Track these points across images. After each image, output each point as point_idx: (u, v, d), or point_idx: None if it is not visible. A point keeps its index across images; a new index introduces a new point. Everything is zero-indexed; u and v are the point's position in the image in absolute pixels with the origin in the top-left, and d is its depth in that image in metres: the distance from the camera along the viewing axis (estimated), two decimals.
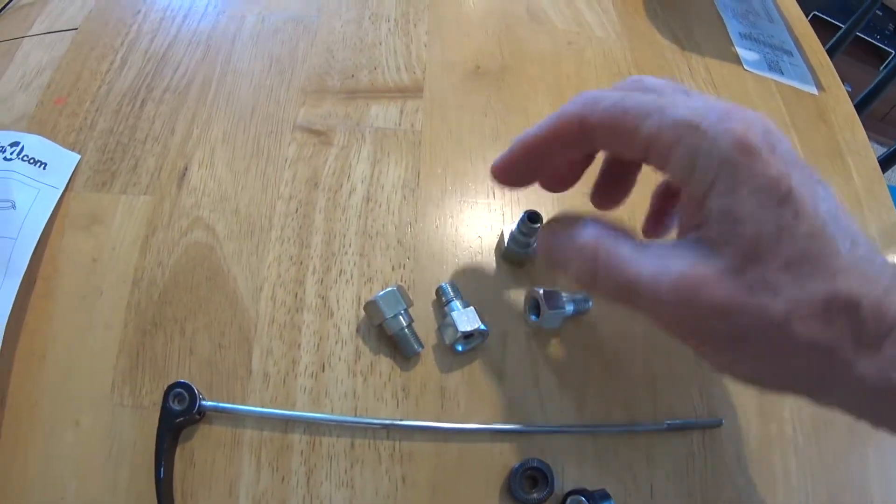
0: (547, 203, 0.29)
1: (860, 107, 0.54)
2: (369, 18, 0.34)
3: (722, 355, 0.18)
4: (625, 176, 0.23)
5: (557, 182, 0.23)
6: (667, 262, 0.18)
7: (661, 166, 0.19)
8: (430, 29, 0.34)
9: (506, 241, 0.26)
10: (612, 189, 0.23)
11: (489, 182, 0.29)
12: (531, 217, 0.24)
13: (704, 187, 0.17)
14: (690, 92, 0.20)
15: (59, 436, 0.22)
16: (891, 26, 1.27)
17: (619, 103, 0.18)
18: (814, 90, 0.37)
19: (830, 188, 0.18)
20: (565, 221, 0.20)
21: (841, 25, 0.63)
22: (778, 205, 0.16)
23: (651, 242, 0.19)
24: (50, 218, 0.27)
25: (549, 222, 0.21)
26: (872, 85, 0.55)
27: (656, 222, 0.24)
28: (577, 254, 0.19)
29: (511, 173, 0.22)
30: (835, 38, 0.58)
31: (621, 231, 0.19)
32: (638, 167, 0.22)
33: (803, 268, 0.16)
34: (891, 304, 0.15)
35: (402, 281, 0.26)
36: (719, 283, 0.16)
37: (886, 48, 1.28)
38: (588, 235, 0.19)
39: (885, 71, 0.56)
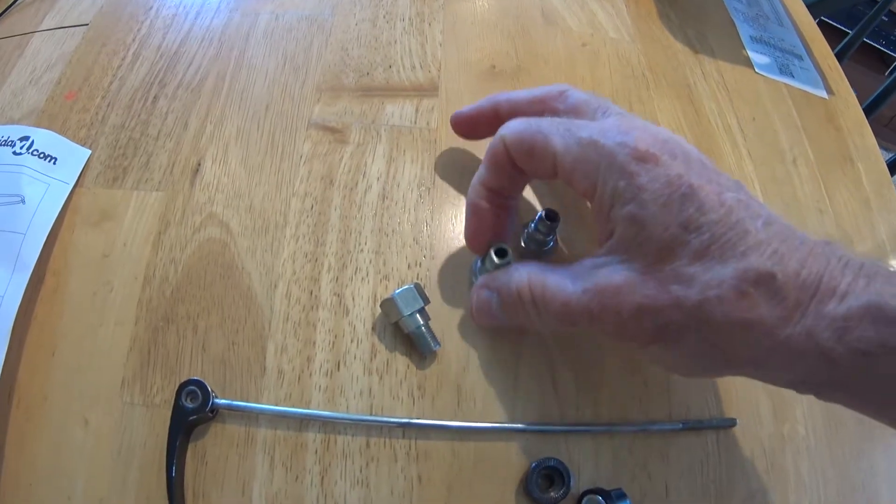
0: (566, 198, 0.29)
1: (866, 112, 0.54)
2: (384, 17, 0.34)
3: (660, 353, 0.19)
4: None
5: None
6: (588, 279, 0.19)
7: (569, 179, 0.20)
8: (444, 28, 0.34)
9: (522, 240, 0.26)
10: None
11: None
12: (549, 215, 0.24)
13: (609, 199, 0.18)
14: (606, 110, 0.21)
15: (67, 433, 0.22)
16: None
17: (528, 126, 0.20)
18: (824, 94, 0.37)
19: (742, 184, 0.18)
20: (488, 282, 0.22)
21: (848, 31, 0.64)
22: (680, 202, 0.17)
23: (570, 265, 0.20)
24: (60, 213, 0.26)
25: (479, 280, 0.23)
26: (879, 90, 0.56)
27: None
28: (517, 300, 0.21)
29: (481, 223, 0.23)
30: (842, 44, 0.58)
31: (547, 266, 0.21)
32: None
33: (713, 254, 0.16)
34: (810, 273, 0.16)
35: (418, 279, 0.26)
36: (635, 287, 0.17)
37: (893, 54, 1.29)
38: (518, 278, 0.21)
39: (891, 77, 0.56)
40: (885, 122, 1.29)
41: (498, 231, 0.23)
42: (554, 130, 0.20)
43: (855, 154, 0.35)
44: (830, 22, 1.18)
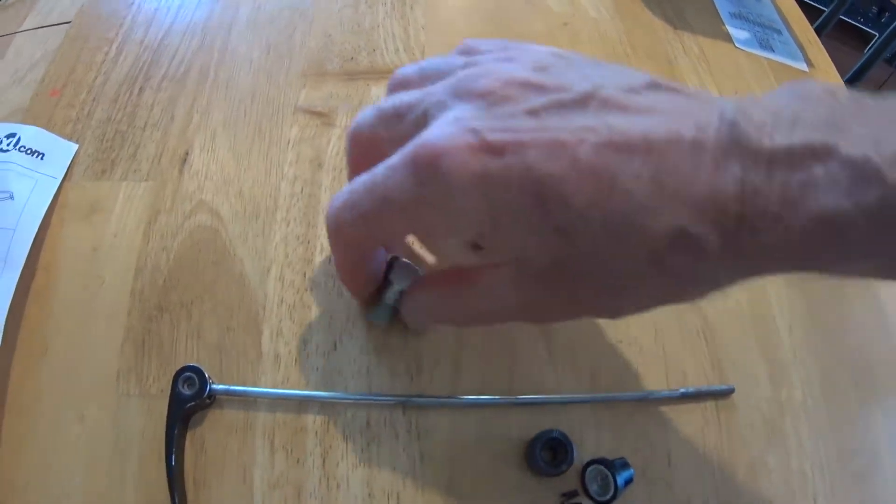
0: None
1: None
2: (365, 2, 0.34)
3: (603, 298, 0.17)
4: None
5: None
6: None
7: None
8: (426, 12, 0.34)
9: None
10: None
11: None
12: None
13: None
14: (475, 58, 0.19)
15: (63, 430, 0.22)
16: (874, 9, 1.30)
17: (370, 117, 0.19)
18: (804, 67, 0.38)
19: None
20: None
21: (824, 9, 0.65)
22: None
23: None
24: (48, 208, 0.26)
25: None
26: (856, 67, 0.56)
27: None
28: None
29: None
30: (819, 21, 0.59)
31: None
32: None
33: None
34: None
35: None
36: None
37: (870, 31, 1.30)
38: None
39: (868, 53, 0.57)
40: None
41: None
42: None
43: None
44: (807, 0, 1.19)
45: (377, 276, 0.22)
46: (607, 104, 0.15)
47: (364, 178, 0.18)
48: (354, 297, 0.23)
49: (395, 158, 0.17)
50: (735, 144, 0.14)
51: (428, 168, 0.15)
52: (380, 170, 0.17)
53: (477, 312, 0.20)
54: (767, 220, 0.13)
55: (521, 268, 0.17)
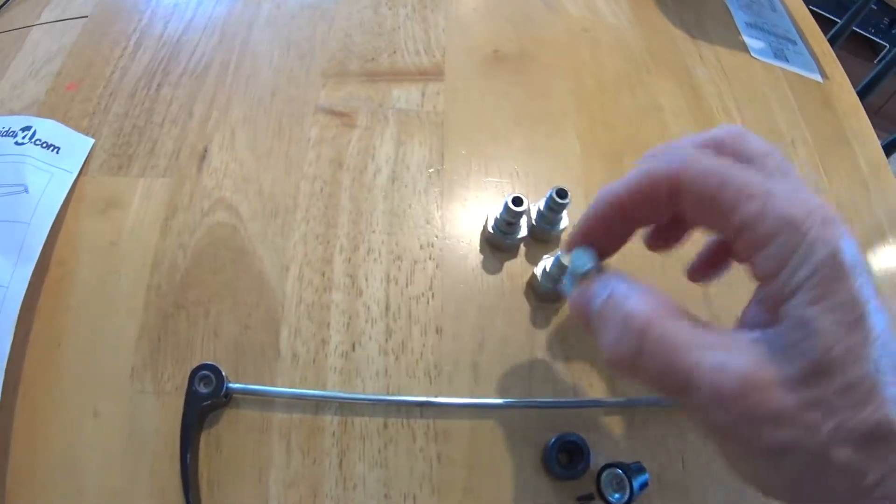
0: (572, 180, 0.29)
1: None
2: (386, 4, 0.34)
3: (757, 465, 0.17)
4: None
5: (661, 241, 0.21)
6: (729, 357, 0.16)
7: (746, 255, 0.17)
8: (447, 15, 0.34)
9: (533, 219, 0.26)
10: (671, 228, 0.21)
11: (513, 162, 0.29)
12: (560, 193, 0.24)
13: (790, 290, 0.16)
14: (786, 170, 0.18)
15: (77, 425, 0.22)
16: (886, 20, 1.30)
17: (719, 171, 0.17)
18: (818, 78, 0.38)
19: (886, 313, 0.17)
20: (607, 279, 0.19)
21: (836, 20, 0.65)
22: (852, 326, 0.16)
23: (708, 327, 0.17)
24: (64, 202, 0.26)
25: (586, 276, 0.19)
26: (868, 78, 0.57)
27: (704, 269, 0.22)
28: (620, 324, 0.17)
29: (594, 237, 0.20)
30: (831, 33, 0.59)
31: (677, 306, 0.17)
32: None
33: (859, 393, 0.15)
34: None
35: (430, 259, 0.26)
36: (780, 391, 0.16)
37: (882, 42, 1.31)
38: (640, 306, 0.17)
39: (880, 65, 0.57)
40: (875, 110, 1.31)
41: (614, 239, 0.20)
42: (747, 189, 0.17)
43: (851, 136, 0.36)
44: (819, 11, 1.20)
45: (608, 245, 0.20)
46: None
47: None
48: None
49: None
50: None
51: None
52: None
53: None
54: None
55: None
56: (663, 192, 0.18)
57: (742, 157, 0.19)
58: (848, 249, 0.16)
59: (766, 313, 0.17)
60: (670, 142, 0.20)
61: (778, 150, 0.19)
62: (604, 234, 0.20)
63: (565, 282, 0.19)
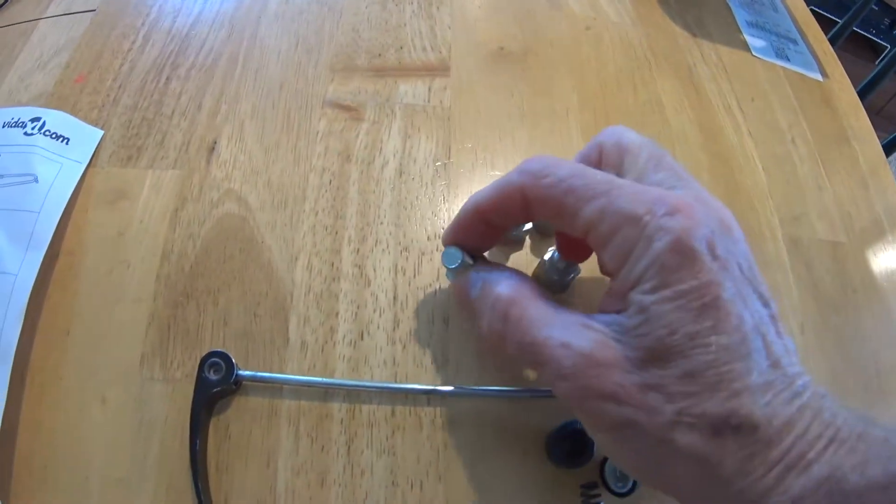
0: None
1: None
2: (392, 1, 0.35)
3: (606, 439, 0.18)
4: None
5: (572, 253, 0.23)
6: (575, 335, 0.17)
7: (597, 250, 0.19)
8: (452, 11, 0.35)
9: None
10: (573, 245, 0.22)
11: (518, 157, 0.29)
12: None
13: (631, 281, 0.17)
14: (659, 160, 0.19)
15: (84, 412, 0.22)
16: (886, 21, 1.31)
17: (563, 181, 0.18)
18: (819, 77, 0.38)
19: (772, 303, 0.17)
20: (480, 270, 0.21)
21: (837, 20, 0.65)
22: (698, 312, 0.16)
23: (558, 306, 0.18)
24: (73, 193, 0.26)
25: (465, 269, 0.21)
26: (869, 78, 0.57)
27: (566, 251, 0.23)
28: (490, 307, 0.19)
29: (462, 239, 0.22)
30: (832, 33, 0.60)
31: (539, 290, 0.19)
32: None
33: (706, 380, 0.15)
34: (788, 433, 0.15)
35: (438, 250, 0.26)
36: (618, 372, 0.16)
37: (883, 43, 1.31)
38: (505, 290, 0.19)
39: (880, 65, 0.58)
40: (876, 111, 1.31)
41: (482, 240, 0.22)
42: (589, 191, 0.17)
43: (851, 135, 0.36)
44: (820, 11, 1.20)
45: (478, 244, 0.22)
46: None
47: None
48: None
49: None
50: None
51: None
52: None
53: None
54: None
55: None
56: (516, 203, 0.19)
57: (620, 153, 0.20)
58: (698, 237, 0.16)
59: (619, 303, 0.17)
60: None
61: (653, 143, 0.20)
62: (472, 235, 0.22)
63: (447, 276, 0.22)
